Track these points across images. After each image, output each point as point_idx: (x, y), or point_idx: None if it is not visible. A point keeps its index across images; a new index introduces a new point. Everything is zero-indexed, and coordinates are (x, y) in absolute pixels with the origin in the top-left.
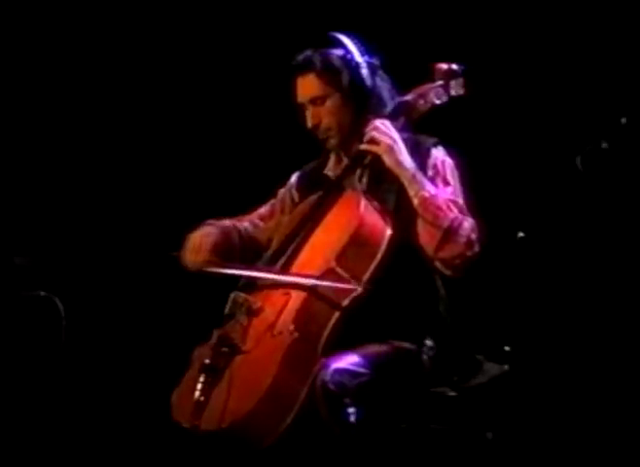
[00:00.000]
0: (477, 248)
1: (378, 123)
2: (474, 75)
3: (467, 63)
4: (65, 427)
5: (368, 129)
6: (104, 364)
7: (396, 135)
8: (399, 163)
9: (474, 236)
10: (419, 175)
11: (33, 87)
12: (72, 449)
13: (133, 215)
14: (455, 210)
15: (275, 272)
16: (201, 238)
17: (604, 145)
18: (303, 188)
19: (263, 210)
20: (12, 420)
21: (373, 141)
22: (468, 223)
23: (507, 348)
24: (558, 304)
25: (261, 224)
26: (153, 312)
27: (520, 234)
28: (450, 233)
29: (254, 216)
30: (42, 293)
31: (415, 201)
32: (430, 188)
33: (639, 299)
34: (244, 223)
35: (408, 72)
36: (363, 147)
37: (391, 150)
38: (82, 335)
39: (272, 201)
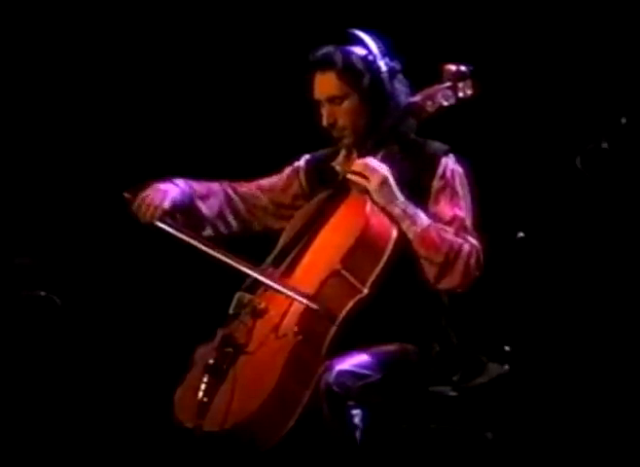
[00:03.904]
0: (477, 273)
1: (371, 159)
2: (476, 76)
3: (469, 64)
4: (66, 427)
5: (359, 162)
6: (105, 364)
7: (387, 173)
8: (388, 202)
9: (472, 263)
10: (410, 209)
11: (33, 86)
12: (72, 448)
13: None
14: (450, 237)
15: (223, 255)
16: (162, 194)
17: (604, 145)
18: (311, 176)
19: (265, 182)
20: (12, 420)
21: (365, 176)
22: (466, 248)
23: (507, 348)
24: (558, 303)
25: (259, 194)
26: (154, 312)
27: (520, 234)
28: (447, 266)
29: (253, 185)
30: (42, 293)
31: (409, 236)
32: (422, 221)
33: (639, 299)
34: (241, 188)
35: (416, 72)
36: (352, 178)
37: (381, 189)
38: (82, 335)
39: (277, 176)
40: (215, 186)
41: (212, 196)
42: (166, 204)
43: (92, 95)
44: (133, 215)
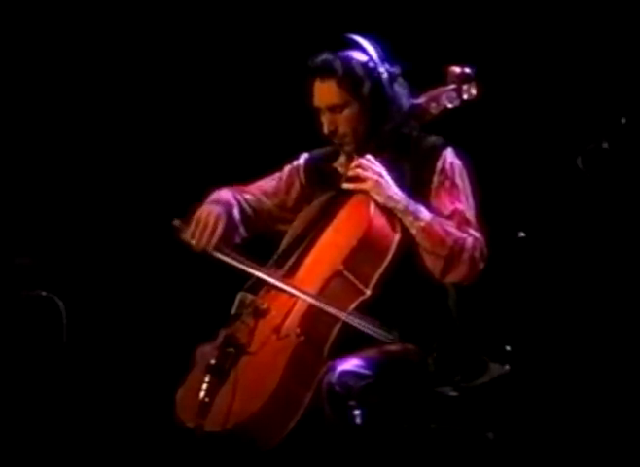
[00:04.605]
0: (481, 265)
1: (362, 160)
2: (480, 77)
3: (471, 65)
4: (67, 427)
5: (352, 167)
6: (106, 364)
7: (381, 169)
8: (389, 198)
9: (477, 255)
10: (412, 205)
11: (33, 86)
12: (73, 448)
13: (134, 216)
14: (454, 230)
15: (280, 280)
16: (216, 220)
17: (605, 145)
18: (312, 175)
19: (267, 186)
20: (13, 420)
21: (359, 179)
22: (470, 241)
23: (508, 348)
24: (559, 303)
25: (264, 199)
26: (155, 312)
27: (521, 234)
28: (453, 259)
29: (257, 190)
30: (43, 293)
31: (413, 231)
32: (425, 215)
33: (639, 299)
34: (247, 195)
35: (420, 74)
36: (349, 186)
37: (378, 186)
38: (83, 334)
39: (278, 176)
40: (229, 194)
41: (234, 206)
42: (220, 232)
43: (90, 95)
44: (185, 243)
